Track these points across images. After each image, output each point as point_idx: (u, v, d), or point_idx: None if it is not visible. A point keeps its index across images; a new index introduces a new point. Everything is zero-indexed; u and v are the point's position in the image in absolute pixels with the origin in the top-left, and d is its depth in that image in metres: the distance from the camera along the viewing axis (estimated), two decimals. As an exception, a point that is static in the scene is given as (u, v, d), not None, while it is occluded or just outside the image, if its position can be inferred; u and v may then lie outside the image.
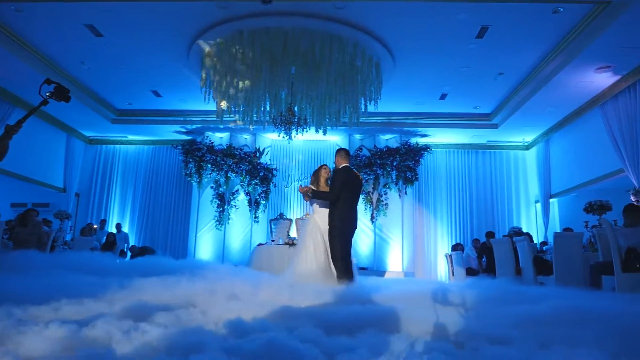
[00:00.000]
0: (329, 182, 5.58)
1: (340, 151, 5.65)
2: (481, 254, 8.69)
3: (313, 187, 5.44)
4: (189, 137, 12.38)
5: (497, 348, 1.99)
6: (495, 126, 11.60)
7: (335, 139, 12.62)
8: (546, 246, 8.16)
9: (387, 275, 11.01)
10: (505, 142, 12.68)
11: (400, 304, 2.96)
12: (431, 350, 1.90)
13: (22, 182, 11.32)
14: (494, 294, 3.68)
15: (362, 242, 11.74)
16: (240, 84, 8.09)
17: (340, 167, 5.48)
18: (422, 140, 12.24)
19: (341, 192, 5.24)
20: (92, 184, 13.11)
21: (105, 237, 10.84)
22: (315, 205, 5.58)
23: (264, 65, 7.69)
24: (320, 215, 5.52)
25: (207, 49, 8.21)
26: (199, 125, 11.97)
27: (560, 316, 2.50)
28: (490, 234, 8.91)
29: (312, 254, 5.31)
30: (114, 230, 11.83)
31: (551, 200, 11.85)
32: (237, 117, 9.39)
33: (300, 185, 5.53)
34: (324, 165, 5.86)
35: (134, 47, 8.42)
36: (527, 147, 12.82)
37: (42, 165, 11.78)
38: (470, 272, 9.51)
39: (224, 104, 8.40)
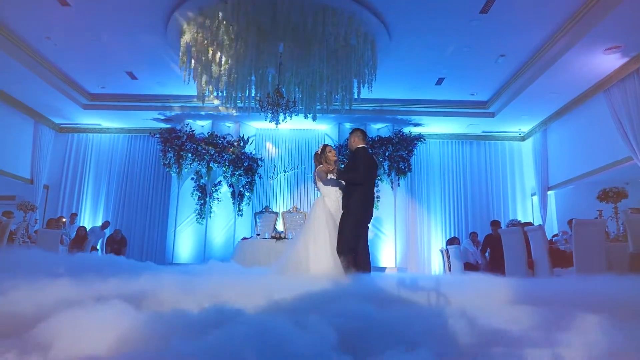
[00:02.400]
0: (341, 164, 5.08)
1: (356, 131, 5.12)
2: (485, 246, 8.11)
3: (329, 168, 4.89)
4: (167, 125, 11.58)
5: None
6: (491, 115, 11.08)
7: (323, 128, 11.96)
8: (557, 237, 7.63)
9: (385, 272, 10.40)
10: (501, 132, 12.18)
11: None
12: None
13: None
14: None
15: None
16: (224, 60, 7.34)
17: (358, 147, 4.96)
18: (415, 130, 11.65)
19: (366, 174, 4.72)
20: (62, 176, 12.18)
21: (75, 232, 10.00)
22: (325, 188, 4.99)
23: (249, 39, 6.97)
24: (332, 199, 4.91)
25: (186, 21, 7.45)
26: (179, 112, 11.18)
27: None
28: (496, 224, 8.32)
29: (328, 244, 4.63)
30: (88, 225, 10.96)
31: (548, 192, 11.38)
32: (219, 102, 8.68)
33: (320, 167, 4.95)
34: (327, 145, 5.22)
35: (105, 19, 7.61)
36: (523, 138, 12.35)
37: (7, 155, 10.83)
38: (468, 266, 8.97)
39: (204, 82, 7.64)
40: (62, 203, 12.01)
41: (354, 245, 4.61)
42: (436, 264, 11.68)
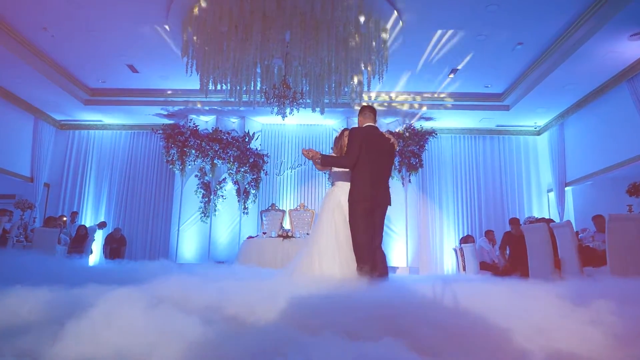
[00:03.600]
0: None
1: (363, 109, 4.44)
2: (504, 245, 7.68)
3: (318, 152, 4.20)
4: (170, 121, 11.23)
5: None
6: (506, 107, 10.64)
7: (332, 123, 11.58)
8: (582, 234, 7.20)
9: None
10: (515, 126, 11.73)
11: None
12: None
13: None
14: None
15: (362, 235, 10.69)
16: (227, 50, 6.97)
17: (360, 126, 4.35)
18: (426, 124, 11.22)
19: (360, 156, 4.04)
20: (63, 174, 11.87)
21: (76, 231, 9.69)
22: (336, 177, 4.45)
23: (254, 27, 6.59)
24: (344, 189, 4.26)
25: (189, 8, 7.09)
26: (182, 107, 10.83)
27: None
28: (515, 221, 7.87)
29: (334, 243, 4.04)
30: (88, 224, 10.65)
31: (566, 188, 10.92)
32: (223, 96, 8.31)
33: (304, 149, 4.28)
34: (347, 129, 4.56)
35: (103, 9, 7.26)
36: (539, 132, 11.90)
37: (7, 152, 10.54)
38: (484, 266, 8.54)
39: (207, 75, 7.27)
40: (63, 201, 11.70)
41: (368, 238, 3.98)
42: (449, 264, 11.26)
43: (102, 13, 7.40)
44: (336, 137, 4.64)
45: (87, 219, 11.52)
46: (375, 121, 4.42)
